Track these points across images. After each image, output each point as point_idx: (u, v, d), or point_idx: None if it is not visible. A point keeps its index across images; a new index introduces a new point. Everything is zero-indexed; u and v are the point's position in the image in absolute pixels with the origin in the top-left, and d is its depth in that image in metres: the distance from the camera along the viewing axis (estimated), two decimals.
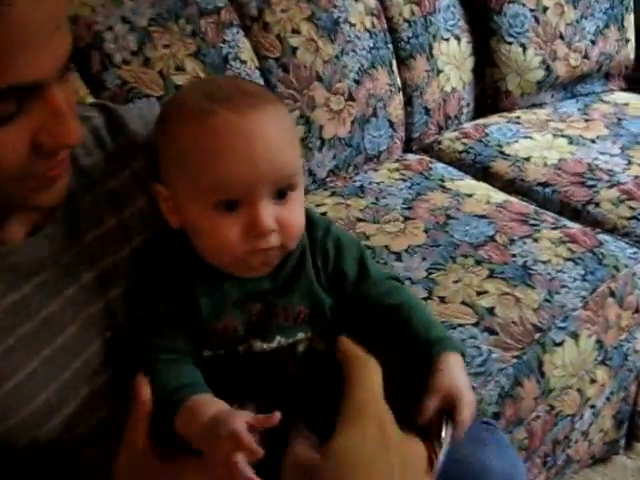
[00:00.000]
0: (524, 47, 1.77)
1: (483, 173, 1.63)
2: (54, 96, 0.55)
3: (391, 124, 1.70)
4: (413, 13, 1.70)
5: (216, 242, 0.67)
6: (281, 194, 0.68)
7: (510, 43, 1.76)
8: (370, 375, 0.65)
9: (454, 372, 0.69)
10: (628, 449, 1.58)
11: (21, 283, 0.66)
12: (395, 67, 1.69)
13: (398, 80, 1.70)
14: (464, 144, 1.72)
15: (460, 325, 1.19)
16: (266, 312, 0.70)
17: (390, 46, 1.67)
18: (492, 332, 1.19)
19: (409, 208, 1.48)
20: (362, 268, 0.74)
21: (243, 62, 1.48)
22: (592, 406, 1.38)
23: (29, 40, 0.51)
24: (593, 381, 1.33)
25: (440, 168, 1.64)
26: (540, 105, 1.85)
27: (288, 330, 0.70)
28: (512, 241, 1.36)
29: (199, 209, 0.67)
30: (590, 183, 1.52)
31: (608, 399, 1.43)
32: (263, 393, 0.69)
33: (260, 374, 0.70)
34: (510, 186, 1.57)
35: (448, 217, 1.44)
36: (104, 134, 0.75)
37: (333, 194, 1.57)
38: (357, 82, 1.61)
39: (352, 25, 1.61)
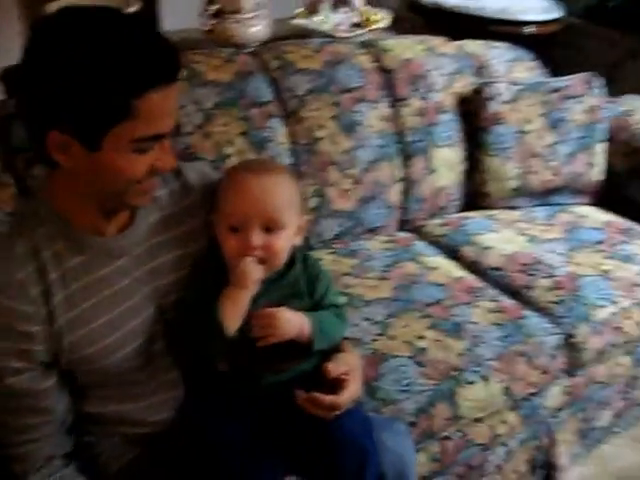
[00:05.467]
0: (505, 159, 2.22)
1: (453, 254, 2.05)
2: (167, 142, 1.08)
3: (388, 207, 2.15)
4: (419, 123, 2.16)
5: (225, 250, 1.19)
6: (269, 229, 1.18)
7: (493, 155, 2.21)
8: None
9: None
10: None
11: (109, 262, 1.14)
12: (398, 163, 2.15)
13: (400, 173, 2.16)
14: (444, 230, 2.15)
15: (398, 356, 1.61)
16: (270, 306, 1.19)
17: (396, 146, 2.14)
18: (420, 365, 1.60)
19: (386, 271, 1.92)
20: (326, 293, 1.27)
21: (279, 144, 1.95)
22: (504, 444, 1.76)
23: (166, 112, 1.03)
24: (503, 422, 1.71)
25: (420, 246, 2.07)
26: (517, 207, 2.28)
27: None
28: (455, 304, 1.78)
29: (221, 229, 1.19)
30: (531, 272, 1.93)
31: (522, 443, 1.80)
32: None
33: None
34: (471, 266, 1.99)
35: (413, 282, 1.87)
36: (171, 180, 1.26)
37: (333, 253, 2.02)
38: (365, 170, 2.08)
39: (367, 127, 2.08)
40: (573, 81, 2.30)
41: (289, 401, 1.20)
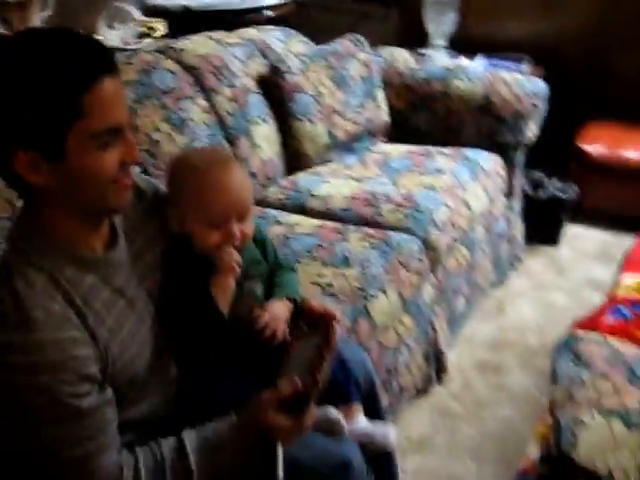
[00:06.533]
0: (312, 122, 2.51)
1: (302, 210, 2.31)
2: (128, 135, 1.12)
3: None
4: (233, 108, 2.38)
5: (206, 244, 1.30)
6: (241, 217, 1.31)
7: (302, 120, 2.50)
8: None
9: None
10: (439, 381, 2.28)
11: (115, 275, 1.20)
12: (227, 147, 2.35)
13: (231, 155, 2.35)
14: (284, 194, 2.40)
15: (311, 295, 1.83)
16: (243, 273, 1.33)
17: (221, 133, 2.33)
18: (333, 295, 1.84)
19: None
20: (275, 255, 1.46)
21: None
22: (406, 345, 2.07)
23: (115, 102, 1.08)
24: (402, 324, 2.02)
25: (272, 212, 2.30)
26: (330, 160, 2.59)
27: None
28: (332, 244, 2.04)
29: (198, 225, 1.29)
30: (374, 203, 2.26)
31: (416, 341, 2.13)
32: None
33: None
34: (324, 215, 2.26)
35: (287, 238, 2.09)
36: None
37: None
38: None
39: (194, 121, 2.25)
40: (343, 44, 2.66)
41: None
